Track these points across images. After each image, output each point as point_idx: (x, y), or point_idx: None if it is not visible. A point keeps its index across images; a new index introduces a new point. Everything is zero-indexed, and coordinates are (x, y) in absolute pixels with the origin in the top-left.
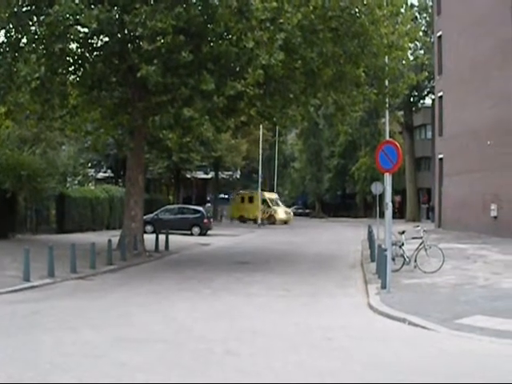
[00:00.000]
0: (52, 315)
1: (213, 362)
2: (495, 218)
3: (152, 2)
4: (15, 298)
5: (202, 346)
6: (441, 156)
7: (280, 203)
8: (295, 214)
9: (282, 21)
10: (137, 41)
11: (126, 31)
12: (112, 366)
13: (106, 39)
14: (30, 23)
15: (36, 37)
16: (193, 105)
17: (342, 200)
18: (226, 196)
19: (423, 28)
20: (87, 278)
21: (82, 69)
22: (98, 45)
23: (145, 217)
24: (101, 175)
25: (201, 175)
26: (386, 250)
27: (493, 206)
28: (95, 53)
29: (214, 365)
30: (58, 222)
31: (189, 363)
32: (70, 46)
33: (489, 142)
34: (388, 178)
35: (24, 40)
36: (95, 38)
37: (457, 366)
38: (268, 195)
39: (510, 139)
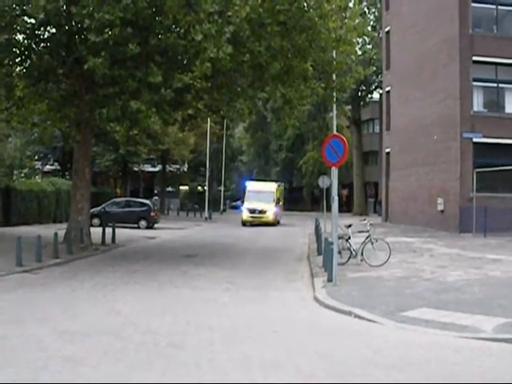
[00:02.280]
0: None
1: (157, 354)
2: (442, 211)
3: None
4: None
5: (147, 339)
6: (388, 150)
7: (270, 198)
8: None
9: (230, 14)
10: (84, 32)
11: (73, 23)
12: (57, 360)
13: (53, 30)
14: None
15: None
16: (140, 97)
17: (290, 193)
18: (173, 189)
19: (372, 23)
20: (33, 271)
21: (28, 60)
22: (45, 36)
23: (92, 210)
24: (47, 168)
25: (148, 168)
26: (332, 244)
27: (439, 200)
28: (42, 44)
29: (158, 357)
30: (4, 215)
31: (134, 356)
32: (17, 37)
33: (435, 137)
34: (334, 171)
35: None
36: (42, 29)
37: (401, 357)
38: (253, 186)
39: (456, 134)
